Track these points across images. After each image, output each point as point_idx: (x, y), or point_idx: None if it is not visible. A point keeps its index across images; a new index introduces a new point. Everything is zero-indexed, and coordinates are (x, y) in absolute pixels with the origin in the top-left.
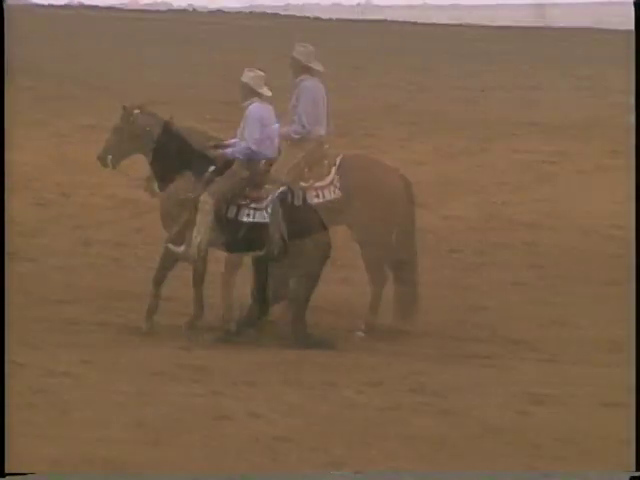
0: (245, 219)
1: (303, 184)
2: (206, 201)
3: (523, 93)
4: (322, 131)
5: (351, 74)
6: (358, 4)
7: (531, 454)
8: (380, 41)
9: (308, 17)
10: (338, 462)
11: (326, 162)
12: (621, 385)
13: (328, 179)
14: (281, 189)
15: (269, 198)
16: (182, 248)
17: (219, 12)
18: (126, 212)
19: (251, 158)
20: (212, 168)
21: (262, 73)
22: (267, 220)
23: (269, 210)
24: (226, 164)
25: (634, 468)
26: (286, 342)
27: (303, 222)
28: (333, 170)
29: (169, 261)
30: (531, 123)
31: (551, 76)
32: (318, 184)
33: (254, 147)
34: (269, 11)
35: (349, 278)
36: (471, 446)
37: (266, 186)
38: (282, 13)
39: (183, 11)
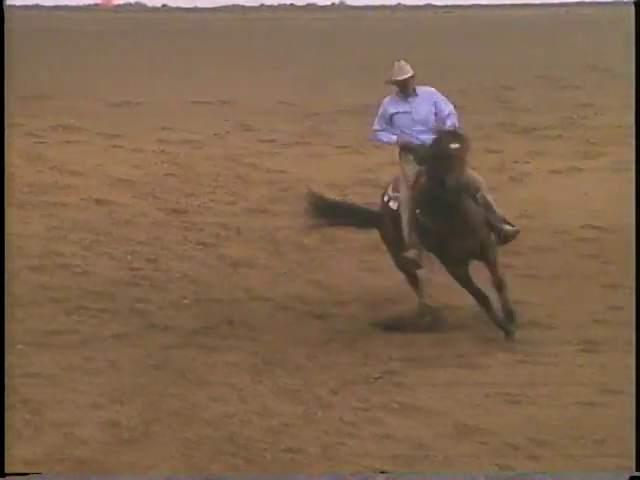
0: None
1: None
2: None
3: (497, 93)
4: None
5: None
6: (333, 4)
7: (506, 454)
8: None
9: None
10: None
11: None
12: (596, 385)
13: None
14: None
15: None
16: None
17: (194, 10)
18: (100, 213)
19: None
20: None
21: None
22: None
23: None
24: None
25: (634, 468)
26: (260, 342)
27: None
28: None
29: None
30: (505, 123)
31: (525, 76)
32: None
33: None
34: (244, 10)
35: (322, 280)
36: (446, 446)
37: None
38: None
39: (157, 9)
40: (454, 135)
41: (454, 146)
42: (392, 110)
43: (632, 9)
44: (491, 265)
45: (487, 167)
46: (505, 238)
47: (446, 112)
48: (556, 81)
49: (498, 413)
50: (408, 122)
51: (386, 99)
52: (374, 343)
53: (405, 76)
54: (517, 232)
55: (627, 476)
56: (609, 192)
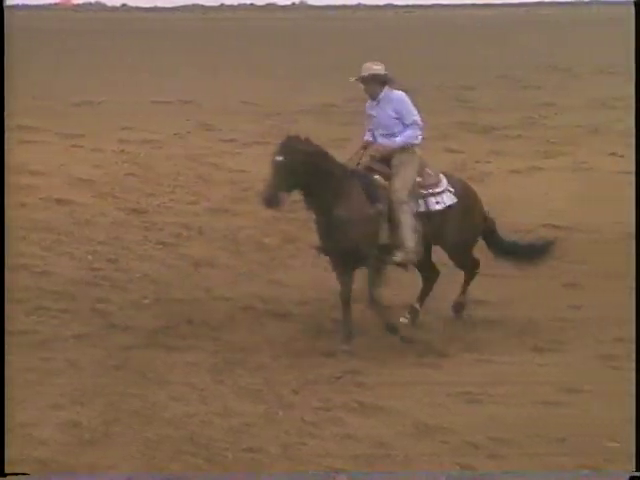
0: (437, 207)
1: (422, 191)
2: (403, 199)
3: (457, 93)
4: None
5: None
6: (293, 3)
7: (466, 453)
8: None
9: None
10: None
11: (428, 170)
12: (556, 384)
13: (442, 186)
14: (440, 172)
15: (442, 178)
16: (399, 255)
17: (154, 10)
18: (60, 213)
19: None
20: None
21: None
22: (455, 201)
23: (451, 189)
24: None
25: (634, 468)
26: (221, 342)
27: None
28: (443, 177)
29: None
30: (465, 123)
31: (486, 76)
32: (436, 190)
33: (422, 128)
34: (204, 10)
35: (283, 280)
36: (406, 445)
37: (426, 169)
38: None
39: (117, 9)
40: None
41: (278, 158)
42: (368, 111)
43: (632, 9)
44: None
45: (448, 166)
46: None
47: (407, 122)
48: (517, 81)
49: (459, 412)
50: (375, 124)
51: (368, 100)
52: (335, 343)
53: (363, 74)
54: None
55: (627, 476)
56: (569, 191)
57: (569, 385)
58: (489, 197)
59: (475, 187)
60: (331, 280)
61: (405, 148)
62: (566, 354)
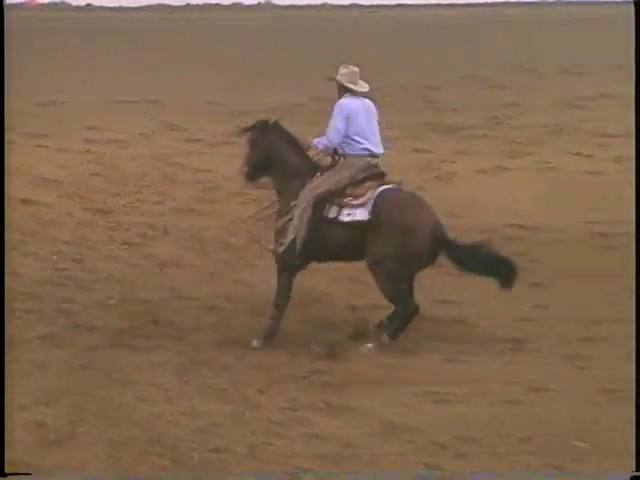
0: (345, 219)
1: (343, 200)
2: (304, 198)
3: (423, 93)
4: (373, 149)
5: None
6: (259, 3)
7: (433, 452)
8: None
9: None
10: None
11: (368, 184)
12: (521, 383)
13: (362, 199)
14: (383, 187)
15: (368, 191)
16: (271, 246)
17: (119, 9)
18: (25, 213)
19: (351, 153)
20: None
21: (356, 69)
22: (367, 217)
23: (370, 207)
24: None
25: (634, 468)
26: (187, 342)
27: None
28: (370, 194)
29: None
30: (431, 123)
31: (451, 76)
32: (354, 202)
33: (332, 138)
34: (170, 9)
35: (248, 280)
36: (373, 445)
37: (367, 183)
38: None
39: (82, 8)
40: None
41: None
42: None
43: (632, 8)
44: None
45: (413, 166)
46: None
47: None
48: (482, 81)
49: (425, 412)
50: None
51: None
52: (301, 342)
53: (333, 77)
54: None
55: (628, 476)
56: (535, 191)
57: (535, 384)
58: (455, 197)
59: (441, 187)
60: (296, 280)
61: (343, 155)
62: (532, 353)
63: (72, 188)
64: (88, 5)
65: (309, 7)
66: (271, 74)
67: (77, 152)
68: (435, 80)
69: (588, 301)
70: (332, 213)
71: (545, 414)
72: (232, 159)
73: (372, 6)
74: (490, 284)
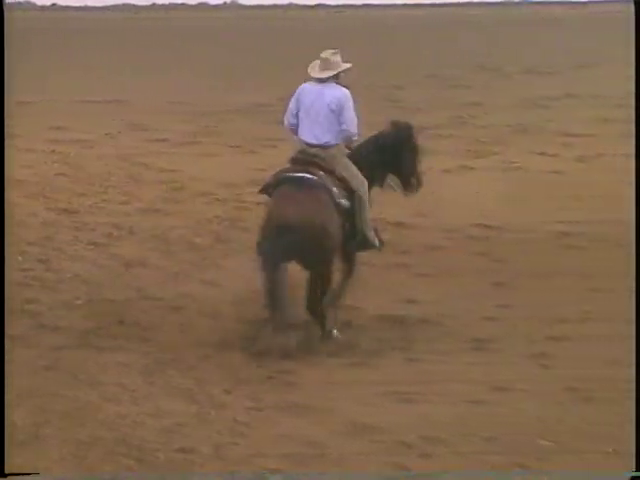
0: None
1: None
2: (365, 191)
3: (387, 92)
4: (306, 138)
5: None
6: (225, 3)
7: (399, 452)
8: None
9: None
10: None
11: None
12: (485, 382)
13: None
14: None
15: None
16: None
17: (84, 9)
18: None
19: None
20: None
21: (326, 56)
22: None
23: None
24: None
25: (634, 468)
26: (152, 342)
27: None
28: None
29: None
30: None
31: (415, 76)
32: None
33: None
34: (135, 9)
35: (214, 280)
36: (339, 444)
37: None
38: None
39: (47, 8)
40: None
41: None
42: None
43: (632, 8)
44: None
45: None
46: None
47: None
48: (446, 80)
49: (390, 411)
50: None
51: None
52: (267, 342)
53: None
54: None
55: (628, 476)
56: (500, 191)
57: (500, 384)
58: (420, 196)
59: None
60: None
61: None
62: (496, 353)
63: (37, 188)
64: (53, 5)
65: (275, 7)
66: (237, 74)
67: (42, 152)
68: (399, 80)
69: (552, 300)
70: None
71: (510, 413)
72: (198, 159)
73: (338, 6)
74: (453, 283)
